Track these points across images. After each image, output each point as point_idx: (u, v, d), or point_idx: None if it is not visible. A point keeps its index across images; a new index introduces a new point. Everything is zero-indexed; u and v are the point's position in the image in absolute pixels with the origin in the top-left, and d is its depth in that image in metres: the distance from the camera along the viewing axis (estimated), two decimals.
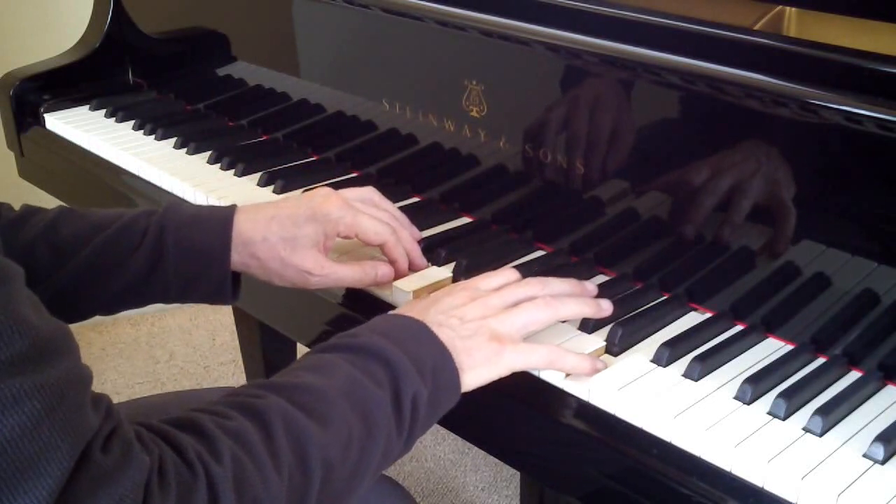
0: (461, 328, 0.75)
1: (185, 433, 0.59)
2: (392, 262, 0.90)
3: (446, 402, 0.73)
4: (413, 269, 0.92)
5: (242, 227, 0.85)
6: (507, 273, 0.83)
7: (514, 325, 0.77)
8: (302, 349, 1.48)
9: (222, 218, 0.86)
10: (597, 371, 0.78)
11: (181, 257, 0.84)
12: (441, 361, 0.72)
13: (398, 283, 0.90)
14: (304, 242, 0.86)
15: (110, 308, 0.87)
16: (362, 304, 0.92)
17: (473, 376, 0.74)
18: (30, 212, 0.87)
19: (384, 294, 0.91)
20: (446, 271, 0.93)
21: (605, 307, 0.82)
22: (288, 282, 0.87)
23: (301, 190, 1.10)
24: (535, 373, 0.79)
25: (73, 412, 0.53)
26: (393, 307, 0.89)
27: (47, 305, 0.83)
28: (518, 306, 0.78)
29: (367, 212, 0.89)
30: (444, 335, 0.74)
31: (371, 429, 0.67)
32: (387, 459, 0.70)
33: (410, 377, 0.69)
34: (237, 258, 0.85)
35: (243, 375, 1.72)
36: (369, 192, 0.94)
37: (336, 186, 1.11)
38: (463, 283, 0.81)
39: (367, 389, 0.67)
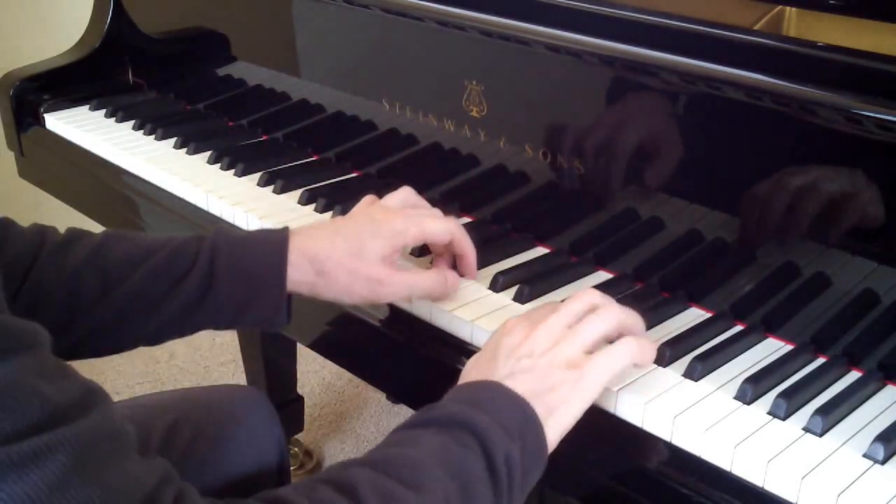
0: (536, 369, 0.70)
1: None
2: (462, 257, 0.89)
3: (535, 469, 0.68)
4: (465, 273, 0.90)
5: (305, 244, 0.82)
6: (558, 304, 0.77)
7: (584, 340, 0.72)
8: (302, 349, 1.48)
9: (276, 239, 0.82)
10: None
11: (234, 281, 0.80)
12: (524, 423, 0.68)
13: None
14: (371, 255, 0.82)
15: (158, 336, 0.83)
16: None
17: (564, 416, 0.70)
18: (76, 235, 0.83)
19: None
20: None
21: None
22: (357, 296, 0.84)
23: (301, 189, 1.10)
24: None
25: (108, 467, 0.48)
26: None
27: (91, 336, 0.80)
28: (581, 322, 0.74)
29: (427, 213, 0.87)
30: (520, 386, 0.69)
31: (469, 494, 0.63)
32: None
33: (499, 439, 0.65)
34: (302, 278, 0.82)
35: (243, 375, 1.72)
36: (409, 194, 0.90)
37: (336, 186, 1.13)
38: (515, 319, 0.76)
39: (459, 455, 0.64)
